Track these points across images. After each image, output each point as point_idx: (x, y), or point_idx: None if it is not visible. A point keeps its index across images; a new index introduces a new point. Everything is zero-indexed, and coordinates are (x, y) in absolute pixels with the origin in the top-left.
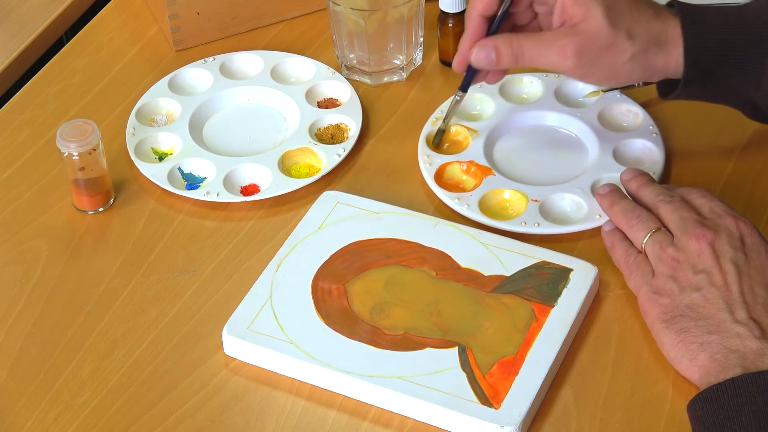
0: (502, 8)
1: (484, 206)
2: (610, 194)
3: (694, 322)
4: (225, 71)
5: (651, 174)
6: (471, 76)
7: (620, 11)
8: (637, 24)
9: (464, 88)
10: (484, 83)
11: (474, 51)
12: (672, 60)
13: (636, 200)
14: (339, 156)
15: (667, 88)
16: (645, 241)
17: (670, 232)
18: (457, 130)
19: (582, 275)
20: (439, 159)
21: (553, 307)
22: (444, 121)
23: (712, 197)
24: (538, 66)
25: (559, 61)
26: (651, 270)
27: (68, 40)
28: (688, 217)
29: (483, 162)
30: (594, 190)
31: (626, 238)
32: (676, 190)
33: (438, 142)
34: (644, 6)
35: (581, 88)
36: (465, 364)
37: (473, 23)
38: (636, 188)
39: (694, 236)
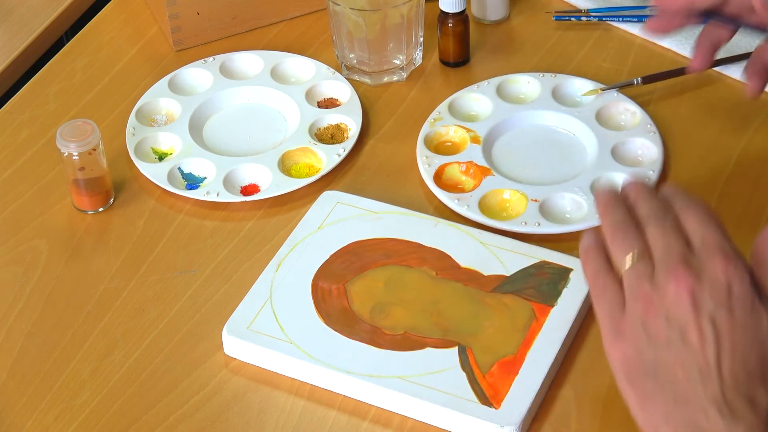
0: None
1: (484, 206)
2: (606, 199)
3: (659, 387)
4: (225, 71)
5: (650, 175)
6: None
7: None
8: None
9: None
10: (481, 84)
11: None
12: None
13: (632, 213)
14: (339, 156)
15: None
16: (625, 268)
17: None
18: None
19: (582, 275)
20: (438, 160)
21: (553, 306)
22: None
23: (707, 222)
24: None
25: None
26: (620, 298)
27: (68, 40)
28: (674, 247)
29: (482, 162)
30: (594, 189)
31: (604, 254)
32: (675, 202)
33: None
34: None
35: (578, 87)
36: (465, 364)
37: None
38: (633, 200)
39: (674, 277)
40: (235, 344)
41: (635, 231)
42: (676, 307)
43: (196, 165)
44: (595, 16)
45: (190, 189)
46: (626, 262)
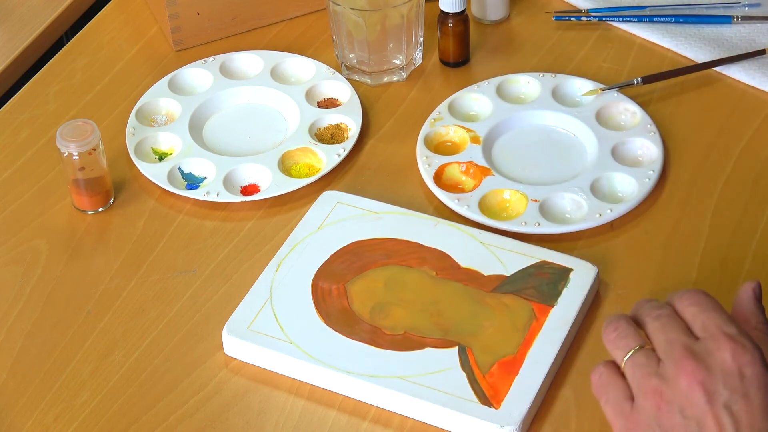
0: None
1: (484, 206)
2: (610, 320)
3: None
4: (225, 71)
5: (650, 175)
6: None
7: None
8: None
9: None
10: (481, 84)
11: None
12: None
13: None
14: (339, 156)
15: None
16: (625, 360)
17: (657, 354)
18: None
19: (582, 275)
20: (438, 160)
21: (553, 307)
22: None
23: (705, 306)
24: None
25: None
26: (626, 392)
27: (68, 40)
28: (676, 339)
29: (482, 162)
30: (593, 189)
31: (612, 365)
32: (671, 297)
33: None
34: None
35: (578, 87)
36: (465, 364)
37: None
38: (634, 309)
39: (683, 372)
40: (235, 344)
41: (629, 327)
42: (689, 401)
43: (196, 165)
44: (595, 16)
45: (190, 189)
46: (626, 356)
